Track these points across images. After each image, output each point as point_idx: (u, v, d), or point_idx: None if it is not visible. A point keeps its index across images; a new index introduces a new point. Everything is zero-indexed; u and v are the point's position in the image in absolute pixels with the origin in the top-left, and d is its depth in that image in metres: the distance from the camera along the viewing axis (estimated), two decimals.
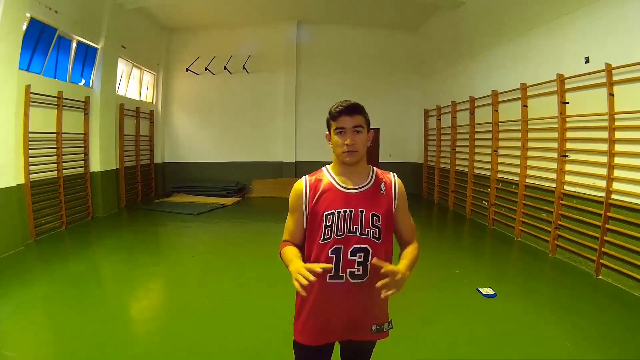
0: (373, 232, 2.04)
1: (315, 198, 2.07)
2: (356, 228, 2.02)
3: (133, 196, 12.58)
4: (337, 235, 2.02)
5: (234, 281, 6.02)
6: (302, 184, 2.13)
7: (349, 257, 2.01)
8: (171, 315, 4.92)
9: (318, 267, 1.77)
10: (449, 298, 5.40)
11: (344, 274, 2.01)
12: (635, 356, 3.90)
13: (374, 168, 2.21)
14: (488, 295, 5.32)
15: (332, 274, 2.00)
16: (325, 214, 2.04)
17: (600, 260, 6.03)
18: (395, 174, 2.22)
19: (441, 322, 4.69)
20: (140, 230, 9.46)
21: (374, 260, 1.87)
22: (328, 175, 2.14)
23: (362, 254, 2.01)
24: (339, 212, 2.03)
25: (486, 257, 7.59)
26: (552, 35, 7.33)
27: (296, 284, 1.72)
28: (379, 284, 1.80)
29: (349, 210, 2.03)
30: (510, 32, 8.76)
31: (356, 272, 2.02)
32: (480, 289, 5.48)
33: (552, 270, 6.64)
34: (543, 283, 6.13)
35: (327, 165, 2.20)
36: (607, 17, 6.07)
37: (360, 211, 2.03)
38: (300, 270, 1.75)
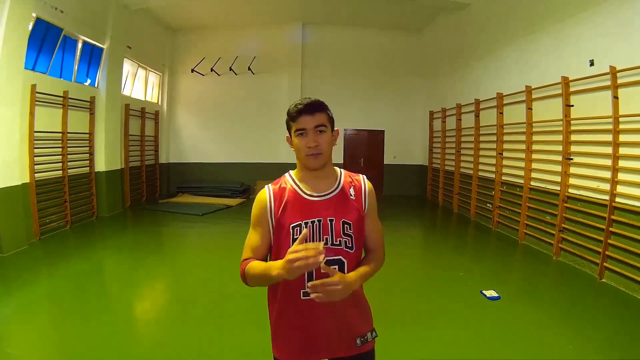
0: (345, 241, 1.88)
1: (281, 208, 1.90)
2: (326, 239, 1.85)
3: (138, 196, 12.63)
4: None
5: (238, 282, 5.99)
6: (266, 193, 1.94)
7: (323, 271, 1.75)
8: (175, 315, 4.93)
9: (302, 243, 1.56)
10: (453, 300, 5.39)
11: None
12: None
13: (342, 171, 2.05)
14: (492, 298, 5.31)
15: (306, 290, 1.79)
16: (291, 226, 1.86)
17: (604, 264, 6.00)
18: (365, 177, 2.06)
19: (445, 324, 4.67)
20: (145, 230, 9.49)
21: (322, 266, 1.61)
22: (291, 182, 1.97)
23: (337, 266, 1.83)
24: (306, 223, 1.86)
25: (490, 260, 7.56)
26: (557, 38, 7.31)
27: (302, 263, 1.50)
28: (310, 283, 1.65)
29: (317, 220, 1.86)
30: (514, 35, 8.74)
31: None
32: (484, 292, 5.46)
33: (555, 273, 6.61)
34: (547, 286, 6.10)
35: (290, 171, 2.02)
36: (611, 19, 6.05)
37: (330, 220, 1.87)
38: (296, 254, 1.52)
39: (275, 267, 1.66)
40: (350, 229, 1.90)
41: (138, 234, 9.22)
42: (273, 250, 1.96)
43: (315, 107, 1.86)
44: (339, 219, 1.89)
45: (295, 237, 1.84)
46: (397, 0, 11.63)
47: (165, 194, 14.33)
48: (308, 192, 1.92)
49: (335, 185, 1.96)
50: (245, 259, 1.93)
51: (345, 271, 1.85)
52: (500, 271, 6.77)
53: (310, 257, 1.50)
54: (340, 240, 1.87)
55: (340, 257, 1.87)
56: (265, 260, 1.96)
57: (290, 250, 1.56)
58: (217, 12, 13.26)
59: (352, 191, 1.97)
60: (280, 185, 1.96)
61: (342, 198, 1.94)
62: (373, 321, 2.08)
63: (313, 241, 1.82)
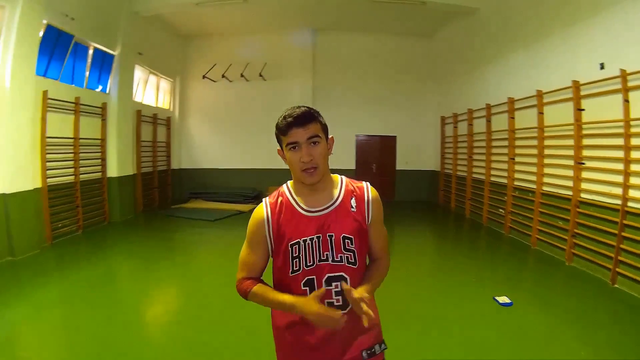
0: (347, 256, 1.79)
1: (279, 224, 1.81)
2: (327, 255, 1.77)
3: (150, 201, 12.71)
4: (306, 266, 1.77)
5: None
6: (263, 209, 1.86)
7: (325, 288, 1.76)
8: (186, 320, 4.94)
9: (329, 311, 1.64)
10: (465, 306, 5.35)
11: None
12: None
13: (343, 180, 1.93)
14: (504, 304, 5.25)
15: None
16: (290, 244, 1.78)
17: (617, 269, 5.91)
18: (368, 184, 1.93)
19: (457, 330, 4.64)
20: (157, 236, 9.51)
21: (343, 285, 1.69)
22: (288, 195, 1.87)
23: (339, 283, 1.77)
24: (304, 241, 1.77)
25: (502, 265, 7.46)
26: (567, 42, 7.25)
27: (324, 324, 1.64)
28: (362, 313, 1.65)
29: (317, 237, 1.77)
30: (525, 39, 8.68)
31: (335, 303, 1.77)
32: (496, 298, 5.41)
33: (568, 279, 6.51)
34: (559, 292, 6.02)
35: (288, 183, 1.92)
36: (621, 23, 5.99)
37: (329, 236, 1.77)
38: (326, 314, 1.64)
39: (300, 306, 1.69)
40: (351, 244, 1.80)
41: (150, 239, 9.24)
42: (275, 265, 1.90)
43: (307, 117, 1.75)
44: (339, 234, 1.79)
45: (294, 255, 1.78)
46: (408, 6, 11.60)
47: (178, 200, 14.38)
48: (305, 207, 1.83)
49: (335, 198, 1.86)
50: (244, 278, 1.87)
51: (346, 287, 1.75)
52: (512, 277, 6.68)
53: (330, 323, 1.63)
54: (341, 257, 1.79)
55: (342, 273, 1.79)
56: (262, 273, 1.92)
57: (315, 309, 1.65)
58: (227, 19, 13.34)
59: (353, 202, 1.86)
60: (277, 199, 1.87)
61: (341, 211, 1.83)
62: (382, 329, 2.00)
63: (313, 258, 1.78)
